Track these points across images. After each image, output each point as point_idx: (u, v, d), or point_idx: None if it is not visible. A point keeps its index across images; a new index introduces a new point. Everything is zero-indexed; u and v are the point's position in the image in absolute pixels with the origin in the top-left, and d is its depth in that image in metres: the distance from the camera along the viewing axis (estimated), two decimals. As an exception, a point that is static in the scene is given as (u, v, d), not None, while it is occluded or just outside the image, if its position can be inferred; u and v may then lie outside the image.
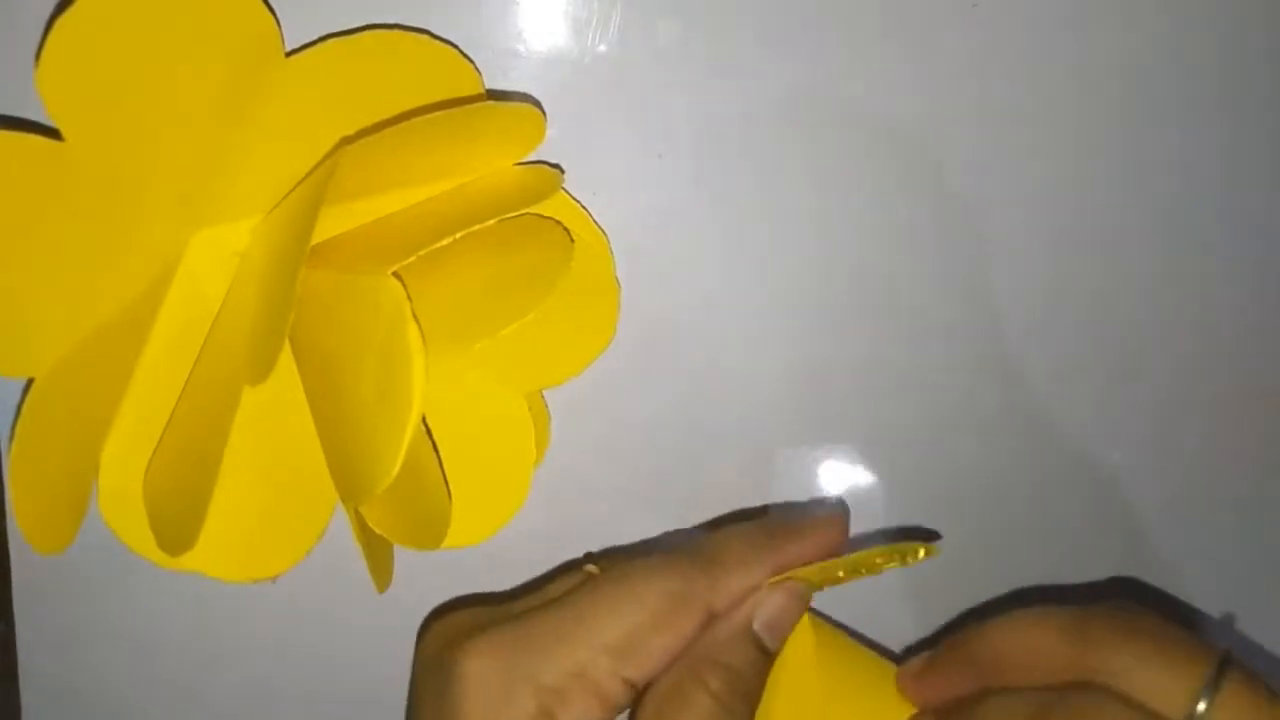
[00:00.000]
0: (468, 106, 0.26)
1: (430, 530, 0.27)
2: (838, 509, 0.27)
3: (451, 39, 0.27)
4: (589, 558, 0.30)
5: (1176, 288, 0.31)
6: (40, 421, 0.25)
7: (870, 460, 0.32)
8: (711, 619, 0.25)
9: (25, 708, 0.30)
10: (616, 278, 0.29)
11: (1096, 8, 0.29)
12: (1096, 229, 0.30)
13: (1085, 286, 0.31)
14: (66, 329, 0.25)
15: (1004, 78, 0.29)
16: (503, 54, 0.27)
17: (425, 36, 0.26)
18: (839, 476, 0.32)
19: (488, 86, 0.27)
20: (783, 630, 0.26)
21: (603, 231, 0.28)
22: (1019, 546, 0.33)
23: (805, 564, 0.26)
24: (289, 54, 0.25)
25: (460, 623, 0.26)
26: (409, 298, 0.24)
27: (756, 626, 0.25)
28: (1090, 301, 0.31)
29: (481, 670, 0.23)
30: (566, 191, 0.28)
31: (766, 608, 0.25)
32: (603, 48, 0.28)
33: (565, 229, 0.27)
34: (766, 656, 0.25)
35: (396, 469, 0.23)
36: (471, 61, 0.26)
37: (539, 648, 0.24)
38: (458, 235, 0.24)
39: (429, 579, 0.30)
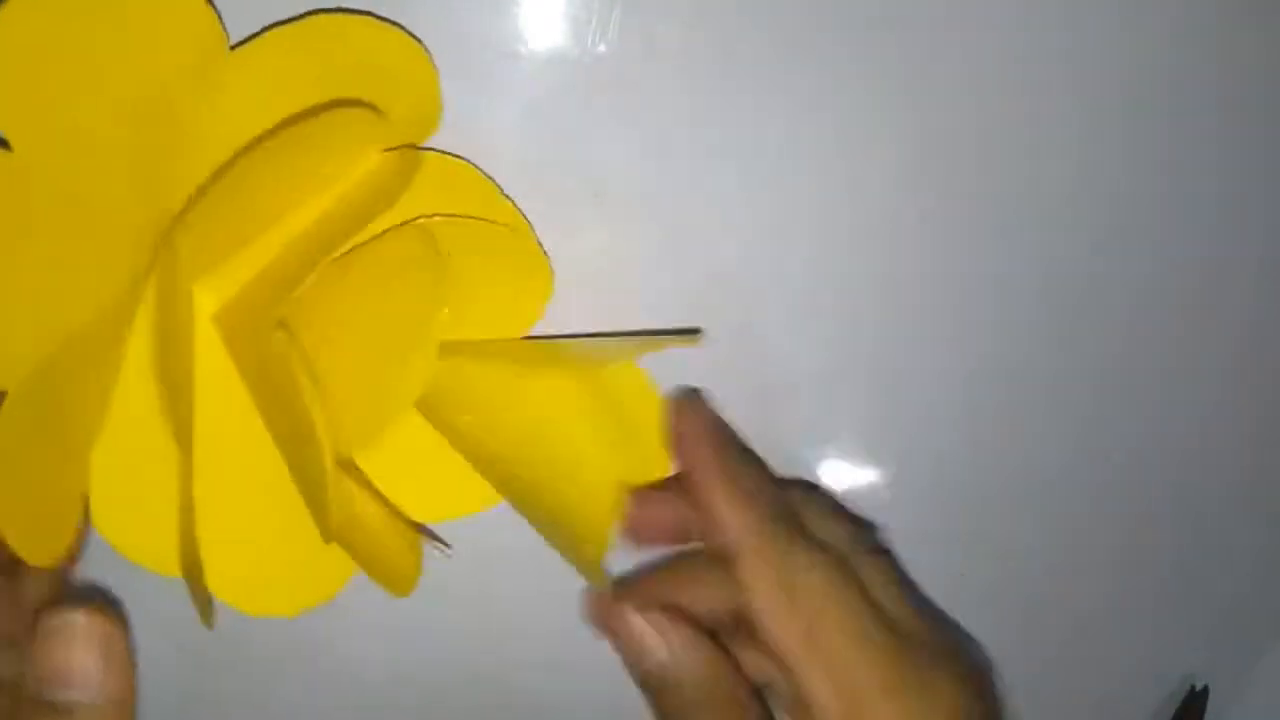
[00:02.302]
0: (288, 130, 0.25)
1: (398, 581, 0.28)
2: None
3: (450, 39, 0.26)
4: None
5: (1179, 288, 0.31)
6: (16, 434, 0.24)
7: (870, 460, 0.32)
8: None
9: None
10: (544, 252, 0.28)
11: (1099, 6, 0.29)
12: (1098, 229, 0.30)
13: (1086, 287, 0.31)
14: (35, 340, 0.24)
15: (1007, 79, 0.29)
16: (502, 54, 0.27)
17: (370, 18, 0.26)
18: (839, 476, 0.32)
19: (487, 87, 0.27)
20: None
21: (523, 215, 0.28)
22: (1019, 545, 0.33)
23: None
24: (233, 47, 0.25)
25: None
26: (295, 344, 0.24)
27: None
28: (1091, 301, 0.31)
29: None
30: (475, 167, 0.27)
31: None
32: (602, 48, 0.27)
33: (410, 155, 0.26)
34: None
35: (331, 513, 0.24)
36: (420, 41, 0.26)
37: None
38: (319, 266, 0.24)
39: (430, 577, 0.29)
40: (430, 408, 0.28)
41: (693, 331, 0.29)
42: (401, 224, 0.26)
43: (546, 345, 0.29)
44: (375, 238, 0.26)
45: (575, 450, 0.29)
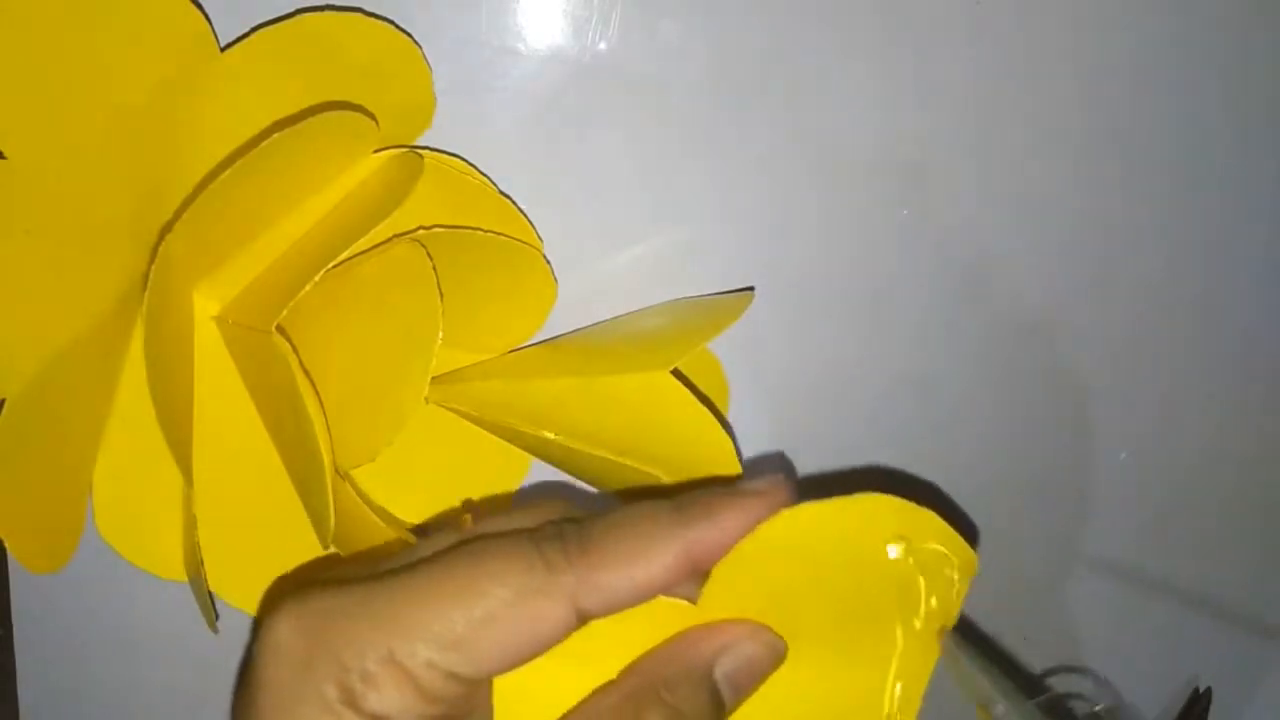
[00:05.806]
0: (279, 133, 0.24)
1: None
2: (775, 479, 0.22)
3: (451, 36, 0.26)
4: (467, 506, 0.28)
5: (1178, 286, 0.31)
6: (18, 441, 0.24)
7: (869, 460, 0.31)
8: (584, 617, 0.20)
9: (23, 710, 0.30)
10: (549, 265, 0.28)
11: (1101, 6, 0.28)
12: (1099, 228, 0.30)
13: (1087, 286, 0.31)
14: (35, 347, 0.24)
15: (1006, 78, 0.28)
16: (503, 52, 0.27)
17: (359, 16, 0.25)
18: (837, 477, 0.31)
19: (489, 84, 0.27)
20: (745, 688, 0.22)
21: (533, 227, 0.27)
22: (1023, 546, 0.33)
23: (725, 551, 0.21)
24: (223, 49, 0.24)
25: (307, 582, 0.22)
26: (294, 350, 0.24)
27: (718, 675, 0.22)
28: (1092, 301, 0.31)
29: (287, 640, 0.20)
30: (486, 178, 0.27)
31: (733, 658, 0.22)
32: (603, 45, 0.27)
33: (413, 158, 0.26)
34: (720, 709, 0.22)
35: (330, 519, 0.24)
36: (412, 37, 0.26)
37: (355, 622, 0.20)
38: (317, 277, 0.23)
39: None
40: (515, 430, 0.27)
41: (745, 290, 0.29)
42: (398, 235, 0.26)
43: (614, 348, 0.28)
44: (371, 250, 0.25)
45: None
